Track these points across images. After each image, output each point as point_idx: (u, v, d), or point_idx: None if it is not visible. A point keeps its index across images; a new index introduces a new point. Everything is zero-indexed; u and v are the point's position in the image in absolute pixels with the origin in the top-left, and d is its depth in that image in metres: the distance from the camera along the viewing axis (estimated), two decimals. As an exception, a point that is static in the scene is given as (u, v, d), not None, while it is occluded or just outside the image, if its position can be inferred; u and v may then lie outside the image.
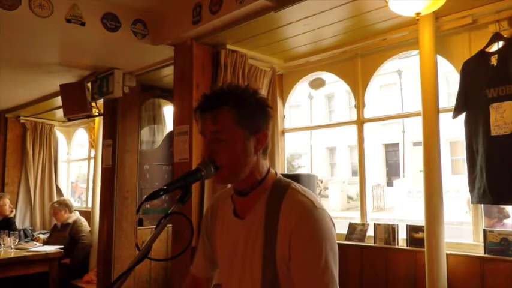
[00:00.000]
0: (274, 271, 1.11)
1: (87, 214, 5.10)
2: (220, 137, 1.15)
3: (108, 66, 3.88)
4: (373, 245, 2.88)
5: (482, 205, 2.59)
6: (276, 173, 1.24)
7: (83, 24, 2.94)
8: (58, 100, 4.40)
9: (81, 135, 6.54)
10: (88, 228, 4.94)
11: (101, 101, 4.18)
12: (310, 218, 1.10)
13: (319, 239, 1.08)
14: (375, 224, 2.94)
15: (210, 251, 1.35)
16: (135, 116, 4.20)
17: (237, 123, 1.15)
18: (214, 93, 1.20)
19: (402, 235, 2.81)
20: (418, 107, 2.66)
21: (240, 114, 1.16)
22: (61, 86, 4.08)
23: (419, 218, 2.80)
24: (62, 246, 4.49)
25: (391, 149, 18.89)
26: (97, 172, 4.78)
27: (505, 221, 3.42)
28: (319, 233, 1.09)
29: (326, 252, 1.08)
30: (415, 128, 14.74)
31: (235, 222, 1.23)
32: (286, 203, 1.13)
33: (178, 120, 3.17)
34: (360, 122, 3.18)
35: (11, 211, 5.31)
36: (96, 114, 4.20)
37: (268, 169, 1.23)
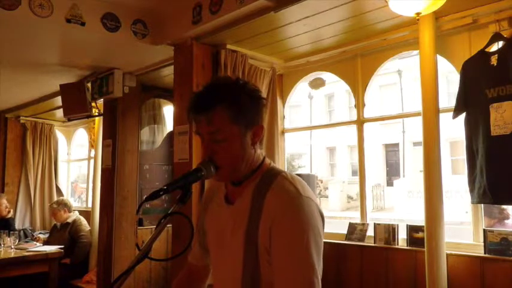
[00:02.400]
0: (256, 257, 1.12)
1: (87, 214, 5.10)
2: (218, 137, 1.14)
3: (108, 66, 3.88)
4: (373, 245, 2.88)
5: (482, 205, 2.58)
6: (270, 163, 1.25)
7: (83, 24, 2.94)
8: (58, 100, 4.40)
9: (81, 135, 6.54)
10: (88, 228, 4.94)
11: (101, 101, 4.18)
12: (293, 205, 1.10)
13: (300, 226, 1.08)
14: (375, 224, 2.94)
15: (203, 238, 1.37)
16: (135, 116, 4.20)
17: (233, 122, 1.15)
18: (206, 91, 1.19)
19: (402, 235, 2.81)
20: (418, 107, 2.66)
21: (235, 112, 1.15)
22: (61, 86, 4.08)
23: (419, 218, 2.80)
24: (62, 246, 4.48)
25: (391, 149, 18.88)
26: (97, 172, 4.78)
27: (505, 221, 3.41)
28: (300, 221, 1.08)
29: (307, 240, 1.07)
30: (415, 128, 14.71)
31: (225, 208, 1.25)
32: (273, 189, 1.14)
33: (178, 120, 3.18)
34: (360, 122, 3.17)
35: (8, 212, 5.28)
36: (96, 114, 4.20)
37: (264, 158, 1.23)
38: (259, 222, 1.12)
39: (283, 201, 1.11)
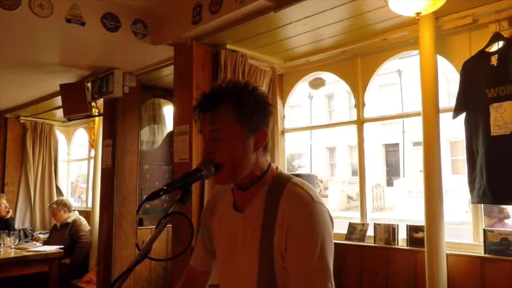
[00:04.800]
0: (271, 263, 1.12)
1: (87, 214, 5.10)
2: (219, 136, 1.15)
3: (108, 66, 3.88)
4: (373, 245, 2.88)
5: (482, 205, 2.58)
6: (276, 168, 1.24)
7: (83, 24, 2.94)
8: (58, 100, 4.40)
9: (81, 135, 6.54)
10: (87, 228, 4.94)
11: (101, 101, 4.18)
12: (308, 211, 1.11)
13: (316, 232, 1.09)
14: (375, 224, 2.94)
15: (209, 243, 1.36)
16: (135, 116, 4.20)
17: (237, 123, 1.15)
18: (214, 91, 1.20)
19: (402, 235, 2.81)
20: (418, 107, 2.66)
21: (240, 114, 1.15)
22: (61, 86, 4.08)
23: (419, 218, 2.80)
24: (62, 246, 4.48)
25: (391, 149, 18.89)
26: (97, 172, 4.78)
27: (505, 221, 3.42)
28: (315, 226, 1.10)
29: (322, 245, 1.08)
30: (415, 128, 14.73)
31: (234, 214, 1.24)
32: (285, 196, 1.14)
33: (178, 120, 3.18)
34: (360, 122, 3.17)
35: (8, 212, 5.26)
36: (96, 114, 4.20)
37: (269, 164, 1.23)
38: (274, 229, 1.12)
39: (298, 207, 1.12)
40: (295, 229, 1.10)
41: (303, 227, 1.10)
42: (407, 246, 2.73)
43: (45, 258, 4.18)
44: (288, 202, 1.13)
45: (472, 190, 2.44)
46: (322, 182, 17.80)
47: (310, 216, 1.10)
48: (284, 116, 3.74)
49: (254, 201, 1.19)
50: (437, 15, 2.52)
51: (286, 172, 1.44)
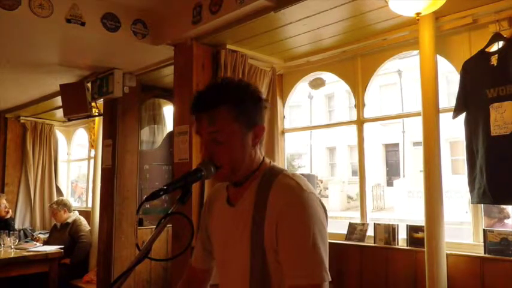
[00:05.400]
0: (263, 255, 1.11)
1: (87, 214, 5.10)
2: (219, 138, 1.15)
3: (108, 66, 3.88)
4: (373, 245, 2.88)
5: (482, 205, 2.58)
6: (269, 162, 1.25)
7: (83, 24, 2.94)
8: (58, 100, 4.40)
9: (81, 135, 6.54)
10: (87, 228, 4.94)
11: (101, 101, 4.18)
12: (297, 200, 1.10)
13: (306, 220, 1.08)
14: (375, 224, 2.94)
15: (207, 242, 1.36)
16: (135, 116, 4.20)
17: (235, 122, 1.15)
18: (209, 91, 1.19)
19: (402, 235, 2.81)
20: (418, 107, 2.66)
21: (238, 112, 1.15)
22: (61, 86, 4.08)
23: (419, 218, 2.80)
24: (62, 246, 4.49)
25: (391, 149, 18.89)
26: (97, 172, 4.78)
27: (505, 221, 3.42)
28: (306, 215, 1.09)
29: (313, 234, 1.07)
30: (415, 128, 14.74)
31: (227, 210, 1.25)
32: (275, 186, 1.14)
33: (178, 120, 3.18)
34: (360, 122, 3.17)
35: (7, 212, 5.25)
36: (96, 114, 4.20)
37: (263, 158, 1.24)
38: (264, 222, 1.12)
39: (286, 197, 1.11)
40: (286, 220, 1.09)
41: (293, 217, 1.09)
42: (407, 246, 2.73)
43: (45, 258, 4.18)
44: (277, 192, 1.13)
45: (472, 190, 2.44)
46: (322, 182, 17.81)
47: (299, 205, 1.09)
48: (284, 116, 3.74)
49: (245, 195, 1.20)
50: (437, 15, 2.52)
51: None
